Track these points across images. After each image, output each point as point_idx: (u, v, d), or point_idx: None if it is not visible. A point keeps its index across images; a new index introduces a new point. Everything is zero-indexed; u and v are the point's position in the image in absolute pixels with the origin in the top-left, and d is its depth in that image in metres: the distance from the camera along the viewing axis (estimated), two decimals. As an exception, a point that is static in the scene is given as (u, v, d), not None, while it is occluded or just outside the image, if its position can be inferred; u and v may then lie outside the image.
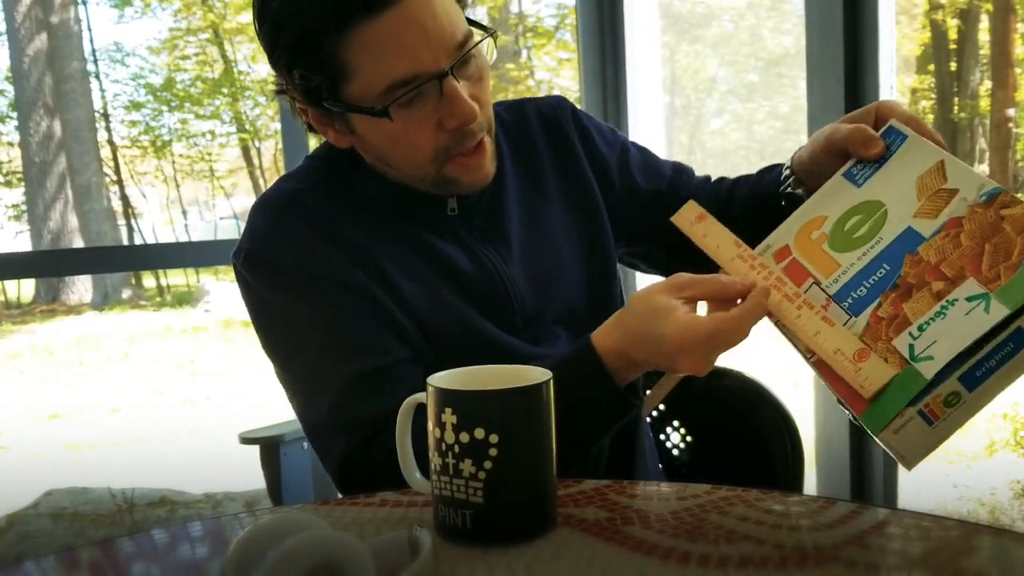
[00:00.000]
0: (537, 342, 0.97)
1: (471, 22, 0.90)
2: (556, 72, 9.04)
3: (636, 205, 1.08)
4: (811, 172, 0.92)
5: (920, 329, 0.71)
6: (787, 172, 0.96)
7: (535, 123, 1.07)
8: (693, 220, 0.88)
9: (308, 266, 0.91)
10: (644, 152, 1.13)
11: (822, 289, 0.78)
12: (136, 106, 11.09)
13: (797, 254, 0.81)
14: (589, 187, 1.05)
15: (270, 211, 0.94)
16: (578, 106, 1.13)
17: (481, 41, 0.89)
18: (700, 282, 0.79)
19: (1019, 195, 0.73)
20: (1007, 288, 0.68)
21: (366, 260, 0.92)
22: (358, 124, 0.90)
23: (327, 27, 0.82)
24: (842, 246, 0.79)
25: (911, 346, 0.70)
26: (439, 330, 0.93)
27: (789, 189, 0.95)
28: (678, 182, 1.10)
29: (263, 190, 1.04)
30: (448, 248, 0.96)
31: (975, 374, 0.66)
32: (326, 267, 0.91)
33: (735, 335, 0.76)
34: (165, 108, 11.16)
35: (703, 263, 0.84)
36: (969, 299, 0.69)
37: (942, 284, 0.71)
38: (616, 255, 1.10)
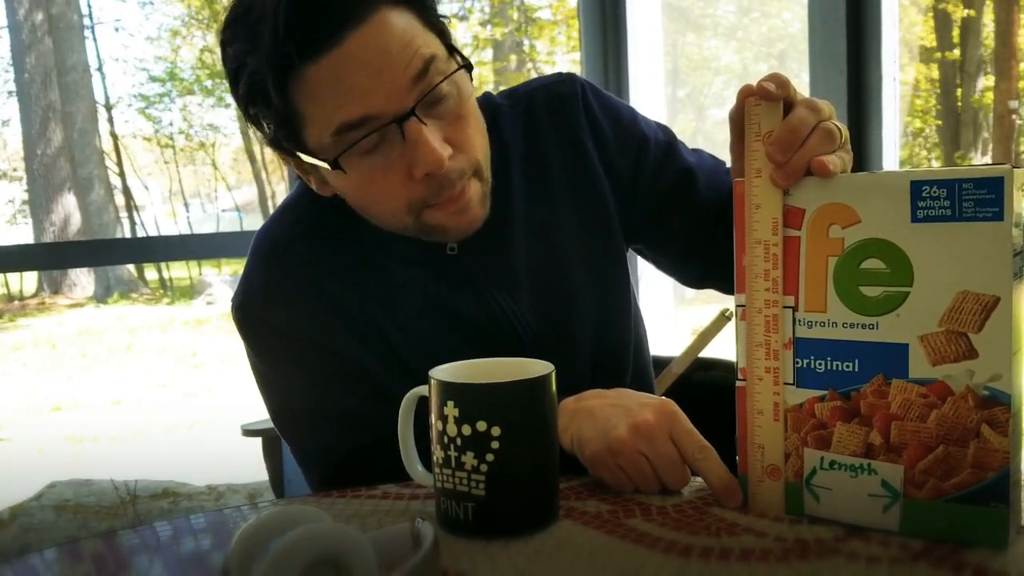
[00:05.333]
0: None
1: (450, 48, 0.83)
2: (558, 64, 9.01)
3: (651, 205, 1.00)
4: None
5: (830, 466, 0.65)
6: None
7: (545, 118, 0.98)
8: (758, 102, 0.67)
9: (300, 333, 0.90)
10: (668, 148, 1.01)
11: (795, 320, 0.66)
12: (139, 98, 11.08)
13: (804, 240, 0.65)
14: (601, 189, 0.98)
15: (267, 265, 0.92)
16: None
17: (453, 73, 0.81)
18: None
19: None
20: (916, 511, 0.62)
21: (361, 322, 0.90)
22: (327, 175, 0.85)
23: (271, 74, 0.77)
24: (844, 290, 0.64)
25: (814, 470, 0.66)
26: None
27: None
28: (690, 186, 0.99)
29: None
30: (451, 291, 0.92)
31: None
32: (318, 334, 0.89)
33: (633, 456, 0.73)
34: (167, 100, 11.14)
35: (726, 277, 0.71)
36: (884, 484, 0.63)
37: (879, 442, 0.63)
38: (640, 249, 1.07)
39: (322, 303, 0.90)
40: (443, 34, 0.83)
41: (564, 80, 1.00)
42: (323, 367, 0.90)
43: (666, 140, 1.02)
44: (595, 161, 0.98)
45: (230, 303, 0.94)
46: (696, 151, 1.04)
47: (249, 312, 0.92)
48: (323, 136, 0.80)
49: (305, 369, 0.91)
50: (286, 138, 0.83)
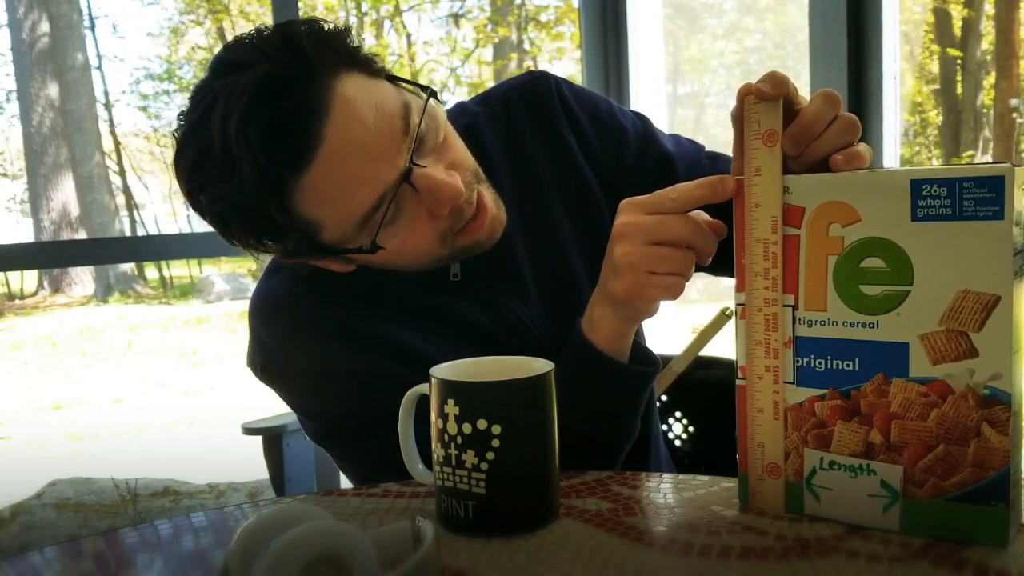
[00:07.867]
0: None
1: (397, 81, 0.82)
2: (559, 60, 9.01)
3: (634, 195, 1.02)
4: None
5: (830, 465, 0.65)
6: None
7: (524, 119, 0.98)
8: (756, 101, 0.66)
9: (324, 367, 0.89)
10: (646, 137, 1.01)
11: (795, 319, 0.66)
12: (139, 96, 11.08)
13: (804, 239, 0.65)
14: (587, 183, 0.98)
15: (271, 320, 0.91)
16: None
17: (425, 108, 0.80)
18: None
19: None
20: (916, 510, 0.62)
21: (379, 341, 0.89)
22: (355, 255, 0.84)
23: (271, 202, 0.75)
24: (844, 288, 0.63)
25: (814, 470, 0.66)
26: None
27: None
28: (670, 173, 1.00)
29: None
30: (461, 305, 0.92)
31: None
32: (341, 363, 0.89)
33: (655, 229, 0.73)
34: (167, 97, 11.14)
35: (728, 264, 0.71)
36: (883, 484, 0.63)
37: (879, 440, 0.63)
38: None
39: (339, 334, 0.89)
40: (386, 73, 0.82)
41: (537, 78, 1.00)
42: (358, 384, 0.90)
43: (644, 129, 1.01)
44: (578, 156, 0.98)
45: (249, 367, 0.93)
46: (674, 137, 1.04)
47: (272, 369, 0.92)
48: (346, 229, 0.79)
49: (346, 396, 0.90)
50: (306, 248, 0.81)
